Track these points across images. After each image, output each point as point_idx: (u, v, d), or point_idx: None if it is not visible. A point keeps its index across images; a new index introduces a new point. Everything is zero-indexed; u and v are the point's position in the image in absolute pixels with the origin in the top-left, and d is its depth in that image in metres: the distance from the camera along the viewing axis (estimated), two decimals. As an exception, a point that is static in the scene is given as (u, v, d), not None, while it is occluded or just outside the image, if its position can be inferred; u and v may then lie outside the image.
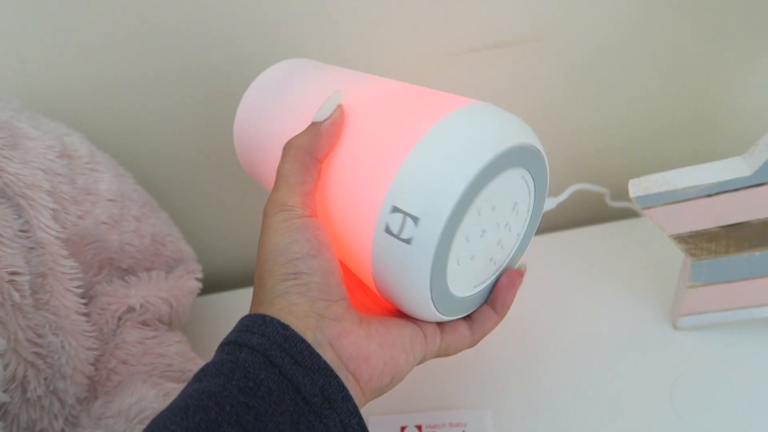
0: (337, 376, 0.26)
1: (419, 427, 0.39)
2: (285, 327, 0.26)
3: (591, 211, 0.56)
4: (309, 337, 0.26)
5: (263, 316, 0.26)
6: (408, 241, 0.26)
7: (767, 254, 0.38)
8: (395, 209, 0.26)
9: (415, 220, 0.26)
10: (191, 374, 0.37)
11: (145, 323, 0.38)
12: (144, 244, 0.41)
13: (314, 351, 0.26)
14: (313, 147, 0.29)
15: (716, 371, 0.40)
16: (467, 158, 0.26)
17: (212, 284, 0.55)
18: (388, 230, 0.27)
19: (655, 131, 0.54)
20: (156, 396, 0.32)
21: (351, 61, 0.47)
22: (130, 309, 0.37)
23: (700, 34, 0.49)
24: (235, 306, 0.51)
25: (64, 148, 0.37)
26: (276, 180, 0.30)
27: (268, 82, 0.36)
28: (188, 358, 0.38)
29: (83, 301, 0.34)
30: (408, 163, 0.27)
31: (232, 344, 0.26)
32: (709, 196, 0.36)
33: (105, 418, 0.31)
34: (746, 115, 0.53)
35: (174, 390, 0.34)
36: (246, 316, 0.27)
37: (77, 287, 0.33)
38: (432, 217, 0.26)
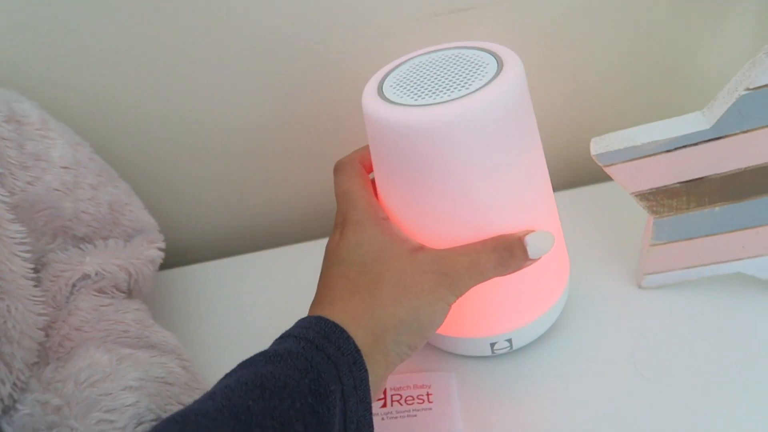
0: (370, 410, 0.28)
1: (384, 390, 0.38)
2: (358, 351, 0.28)
3: (560, 177, 0.56)
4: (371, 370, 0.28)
5: (345, 334, 0.28)
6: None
7: (727, 209, 0.38)
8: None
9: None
10: (149, 341, 0.36)
11: (101, 291, 0.37)
12: (101, 212, 0.40)
13: (368, 383, 0.28)
14: None
15: (678, 329, 0.40)
16: None
17: (177, 258, 0.54)
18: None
19: (621, 96, 0.54)
20: (109, 361, 0.32)
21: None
22: (85, 276, 0.36)
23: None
24: (200, 280, 0.51)
25: (12, 113, 0.36)
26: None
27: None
28: (146, 325, 0.37)
29: (31, 266, 0.33)
30: None
31: (308, 342, 0.27)
32: (669, 151, 0.36)
33: (54, 382, 0.30)
34: (712, 77, 0.53)
35: (129, 356, 0.33)
36: (325, 320, 0.29)
37: (25, 252, 0.32)
38: None
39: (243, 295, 0.49)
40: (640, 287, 0.43)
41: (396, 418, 0.37)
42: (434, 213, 0.34)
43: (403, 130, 0.31)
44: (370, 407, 0.27)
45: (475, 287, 0.34)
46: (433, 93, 0.32)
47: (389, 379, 0.39)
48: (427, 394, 0.38)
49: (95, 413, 0.30)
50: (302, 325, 0.29)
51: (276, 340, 0.29)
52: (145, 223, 0.43)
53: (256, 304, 0.48)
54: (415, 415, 0.36)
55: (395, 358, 0.30)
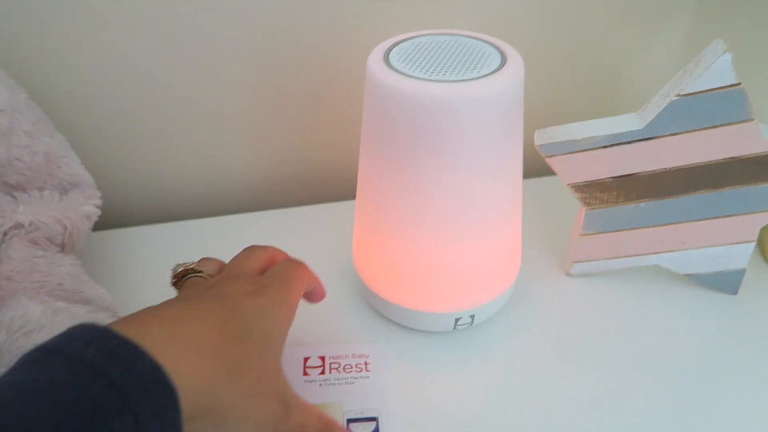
0: None
1: (322, 358, 0.39)
2: (157, 369, 0.22)
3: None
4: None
5: (138, 350, 0.22)
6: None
7: (651, 206, 0.41)
8: None
9: None
10: (84, 296, 0.35)
11: (33, 242, 0.35)
12: (36, 162, 0.38)
13: (179, 412, 0.23)
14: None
15: (598, 315, 0.43)
16: None
17: (113, 219, 0.52)
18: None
19: (559, 98, 0.57)
20: (43, 312, 0.31)
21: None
22: (18, 225, 0.35)
23: (604, 4, 0.52)
24: (137, 243, 0.49)
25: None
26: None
27: None
28: (81, 280, 0.36)
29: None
30: None
31: (84, 366, 0.21)
32: (604, 147, 0.39)
33: (-16, 330, 0.29)
34: (647, 82, 0.57)
35: (64, 309, 0.32)
36: (112, 333, 0.22)
37: (-45, 193, 0.31)
38: None
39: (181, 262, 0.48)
40: (567, 275, 0.46)
41: (334, 384, 0.37)
42: (422, 187, 0.35)
43: (417, 102, 0.32)
44: (181, 430, 0.23)
45: (446, 260, 0.37)
46: (443, 71, 0.33)
47: (328, 348, 0.40)
48: (365, 363, 0.39)
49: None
50: (80, 336, 0.22)
51: (38, 352, 0.21)
52: (81, 178, 0.41)
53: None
54: (353, 383, 0.37)
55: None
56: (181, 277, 0.32)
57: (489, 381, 0.39)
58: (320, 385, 0.37)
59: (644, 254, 0.44)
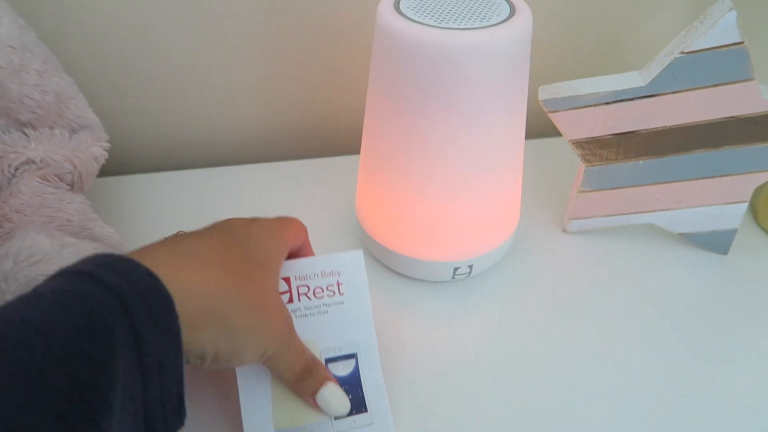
0: (181, 345, 0.23)
1: (287, 281, 0.34)
2: (153, 276, 0.23)
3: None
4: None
5: (130, 260, 0.23)
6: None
7: (649, 164, 0.42)
8: None
9: None
10: (92, 233, 0.36)
11: (44, 178, 0.36)
12: (46, 101, 0.38)
13: (175, 314, 0.23)
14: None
15: (592, 270, 0.44)
16: None
17: (120, 166, 0.53)
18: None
19: (565, 56, 0.57)
20: (51, 245, 0.31)
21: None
22: (29, 161, 0.35)
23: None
24: (144, 190, 0.50)
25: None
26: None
27: None
28: (89, 218, 0.37)
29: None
30: None
31: (82, 275, 0.22)
32: (607, 104, 0.40)
33: (-5, 258, 0.30)
34: (653, 37, 0.57)
35: (72, 244, 0.33)
36: (112, 254, 0.23)
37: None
38: None
39: (187, 210, 0.49)
40: (564, 231, 0.47)
41: (306, 316, 0.33)
42: (427, 136, 0.36)
43: (425, 48, 0.33)
44: (177, 336, 0.23)
45: (447, 211, 0.38)
46: (453, 19, 0.34)
47: (295, 267, 0.34)
48: (338, 284, 0.34)
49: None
50: (83, 260, 0.23)
51: (42, 278, 0.23)
52: (89, 120, 0.42)
53: (200, 220, 0.48)
54: (327, 312, 0.34)
55: (196, 350, 0.25)
56: None
57: (484, 330, 0.40)
58: (292, 317, 0.32)
59: (640, 212, 0.45)
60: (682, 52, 0.37)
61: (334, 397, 0.31)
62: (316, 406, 0.31)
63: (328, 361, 0.33)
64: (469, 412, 0.35)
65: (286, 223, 0.33)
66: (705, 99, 0.38)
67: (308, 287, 0.34)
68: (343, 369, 0.33)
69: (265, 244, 0.30)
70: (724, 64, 0.37)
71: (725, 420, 0.35)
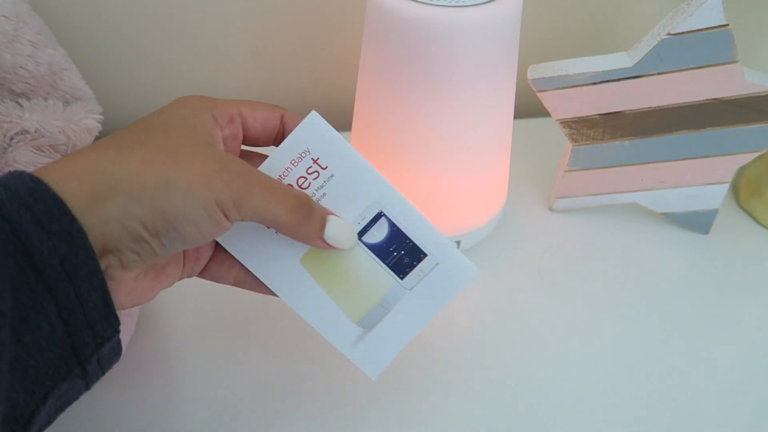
0: (89, 247, 0.22)
1: None
2: (36, 180, 0.21)
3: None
4: (75, 204, 0.22)
5: (15, 170, 0.22)
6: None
7: (635, 144, 0.43)
8: None
9: None
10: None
11: (39, 148, 0.36)
12: (40, 72, 0.38)
13: (67, 212, 0.21)
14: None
15: (577, 247, 0.46)
16: None
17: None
18: None
19: (553, 37, 0.58)
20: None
21: None
22: (24, 131, 0.35)
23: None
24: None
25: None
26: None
27: None
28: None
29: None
30: None
31: None
32: (594, 84, 0.40)
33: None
34: (643, 19, 0.58)
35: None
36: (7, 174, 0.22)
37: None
38: None
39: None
40: (550, 210, 0.48)
41: None
42: (415, 113, 0.36)
43: (416, 25, 0.33)
44: (85, 243, 0.21)
45: (436, 187, 0.37)
46: None
47: (266, 172, 0.29)
48: (314, 161, 0.29)
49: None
50: None
51: None
52: (83, 92, 0.42)
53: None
54: (324, 194, 0.30)
55: (118, 232, 0.22)
56: None
57: (469, 306, 0.42)
58: None
59: (624, 192, 0.46)
60: (668, 34, 0.38)
61: (341, 228, 0.29)
62: (326, 246, 0.29)
63: (360, 234, 0.30)
64: (453, 389, 0.36)
65: (219, 99, 0.28)
66: (689, 81, 0.39)
67: (291, 185, 0.29)
68: (378, 234, 0.30)
69: (173, 113, 0.26)
70: (709, 46, 0.38)
71: (705, 397, 0.37)
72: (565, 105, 0.41)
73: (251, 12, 0.51)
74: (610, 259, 0.45)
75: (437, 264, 0.31)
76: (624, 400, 0.36)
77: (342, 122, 0.56)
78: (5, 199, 0.21)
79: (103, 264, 0.23)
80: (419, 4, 0.33)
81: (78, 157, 0.23)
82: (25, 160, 0.35)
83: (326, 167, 0.29)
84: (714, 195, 0.45)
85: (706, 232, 0.47)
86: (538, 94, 0.41)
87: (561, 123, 0.43)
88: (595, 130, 0.43)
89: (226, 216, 0.25)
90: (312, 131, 0.29)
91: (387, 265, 0.31)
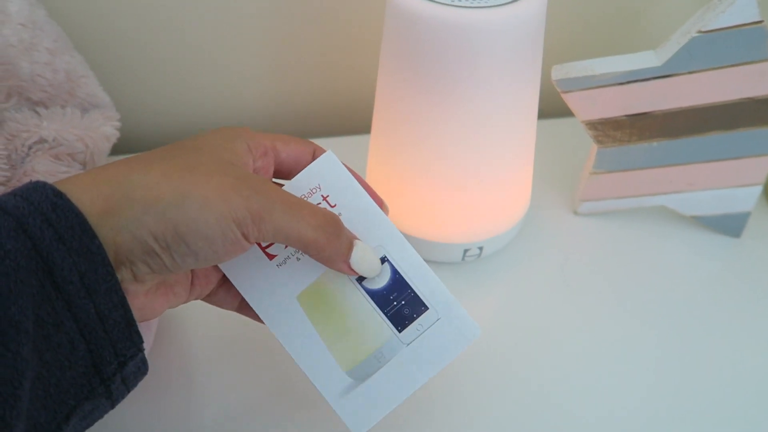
0: (108, 264, 0.21)
1: None
2: (58, 194, 0.21)
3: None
4: (91, 210, 0.22)
5: (37, 182, 0.22)
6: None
7: (663, 145, 0.41)
8: None
9: None
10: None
11: (57, 157, 0.36)
12: (58, 79, 0.38)
13: (88, 228, 0.21)
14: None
15: (604, 253, 0.44)
16: None
17: (131, 145, 0.53)
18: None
19: (578, 36, 0.56)
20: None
21: None
22: (42, 140, 0.35)
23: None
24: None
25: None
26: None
27: None
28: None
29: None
30: None
31: None
32: (621, 84, 0.39)
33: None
34: (669, 16, 0.56)
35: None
36: (27, 185, 0.22)
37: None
38: None
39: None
40: (575, 213, 0.47)
41: None
42: (439, 117, 0.35)
43: (438, 27, 0.32)
44: (104, 260, 0.21)
45: (459, 192, 0.36)
46: None
47: None
48: (324, 198, 0.30)
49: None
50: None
51: None
52: (101, 99, 0.42)
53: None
54: None
55: (129, 243, 0.22)
56: None
57: (493, 312, 0.41)
58: (298, 258, 0.29)
59: (652, 194, 0.44)
60: (699, 31, 0.36)
61: (367, 254, 0.27)
62: (350, 272, 0.28)
63: (360, 279, 0.29)
64: (478, 394, 0.36)
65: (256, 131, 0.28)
66: (721, 79, 0.38)
67: None
68: (380, 279, 0.29)
69: (207, 139, 0.26)
70: (742, 44, 0.36)
71: (736, 405, 0.36)
72: (590, 106, 0.40)
73: (269, 19, 0.50)
74: (637, 264, 0.43)
75: (438, 319, 0.29)
76: (654, 408, 0.35)
77: (359, 126, 0.55)
78: (28, 214, 0.21)
79: (118, 277, 0.22)
80: (440, 5, 0.33)
81: (100, 170, 0.24)
82: (44, 169, 0.35)
83: (335, 205, 0.29)
84: (746, 197, 0.43)
85: (738, 236, 0.45)
86: (563, 95, 0.40)
87: (586, 124, 0.41)
88: (621, 131, 0.41)
89: (244, 235, 0.24)
90: (326, 169, 0.29)
91: (386, 314, 0.29)
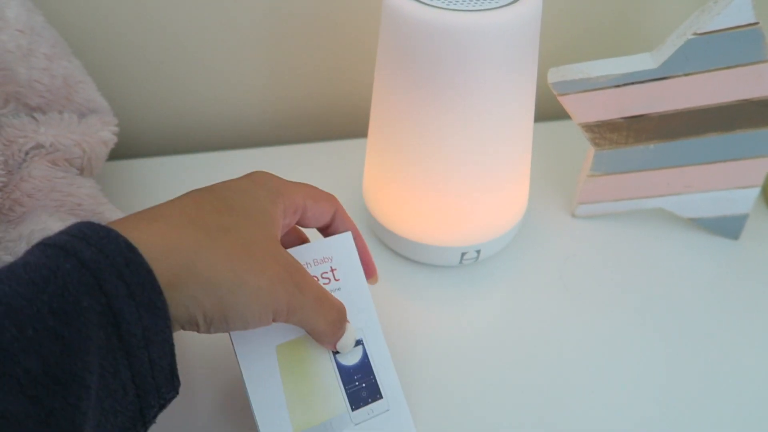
0: (168, 317, 0.22)
1: None
2: (132, 249, 0.22)
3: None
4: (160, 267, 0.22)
5: (109, 230, 0.22)
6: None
7: (660, 147, 0.41)
8: None
9: None
10: (103, 216, 0.36)
11: (54, 162, 0.36)
12: (55, 85, 0.38)
13: (156, 286, 0.22)
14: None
15: (602, 255, 0.44)
16: None
17: (128, 149, 0.53)
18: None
19: (573, 38, 0.56)
20: (62, 228, 0.32)
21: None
22: (39, 145, 0.35)
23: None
24: (153, 174, 0.50)
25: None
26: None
27: None
28: (100, 201, 0.37)
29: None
30: None
31: (57, 249, 0.21)
32: (617, 86, 0.39)
33: (5, 241, 0.30)
34: (663, 19, 0.56)
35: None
36: (91, 223, 0.22)
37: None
38: None
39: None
40: (573, 216, 0.47)
41: None
42: (435, 120, 0.35)
43: (433, 31, 0.32)
44: (163, 311, 0.22)
45: (455, 196, 0.36)
46: (462, 1, 0.33)
47: None
48: (332, 270, 0.33)
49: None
50: (63, 231, 0.22)
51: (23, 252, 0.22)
52: (98, 104, 0.42)
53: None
54: None
55: (179, 314, 0.24)
56: None
57: (492, 315, 0.41)
58: None
59: (649, 197, 0.44)
60: (695, 33, 0.36)
61: (350, 337, 0.30)
62: (332, 348, 0.30)
63: (336, 352, 0.32)
64: (477, 398, 0.36)
65: (288, 182, 0.30)
66: (718, 81, 0.38)
67: None
68: (351, 358, 0.32)
69: (252, 194, 0.27)
70: (737, 46, 0.36)
71: (736, 407, 0.35)
72: (587, 109, 0.40)
73: (266, 16, 0.50)
74: (635, 267, 0.43)
75: (387, 410, 0.32)
76: (650, 412, 0.35)
77: (356, 130, 0.56)
78: (104, 269, 0.21)
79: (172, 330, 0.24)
80: (436, 8, 0.33)
81: (167, 229, 0.24)
82: (41, 174, 0.35)
83: (339, 279, 0.33)
84: (744, 199, 0.43)
85: (736, 238, 0.45)
86: (559, 98, 0.40)
87: (583, 127, 0.41)
88: (618, 133, 0.41)
89: (274, 320, 0.26)
90: (341, 246, 0.33)
91: (346, 390, 0.31)
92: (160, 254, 0.23)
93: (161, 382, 0.23)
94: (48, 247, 0.21)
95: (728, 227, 0.45)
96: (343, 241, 0.33)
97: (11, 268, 0.20)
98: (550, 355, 0.38)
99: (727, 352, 0.38)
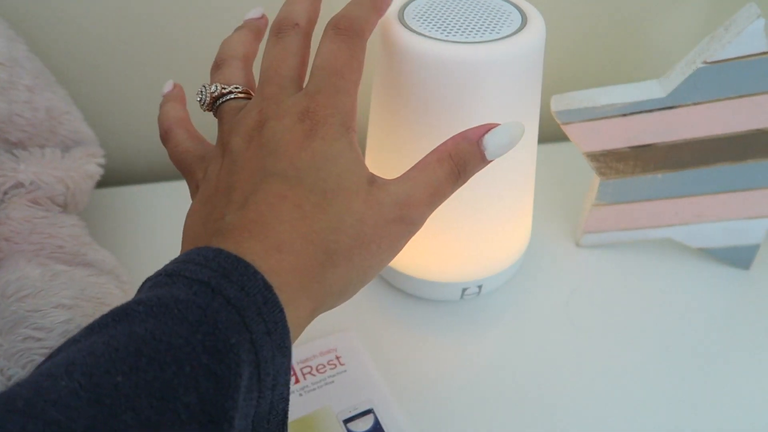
0: (290, 358, 0.23)
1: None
2: (268, 288, 0.22)
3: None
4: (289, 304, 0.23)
5: (246, 265, 0.22)
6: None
7: (668, 177, 0.40)
8: None
9: None
10: (86, 259, 0.35)
11: (35, 201, 0.34)
12: (37, 118, 0.37)
13: (287, 329, 0.23)
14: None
15: (607, 286, 0.43)
16: None
17: (116, 177, 0.51)
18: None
19: (577, 62, 0.55)
20: (41, 276, 0.30)
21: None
22: (19, 184, 0.34)
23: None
24: (141, 201, 0.49)
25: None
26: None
27: None
28: (83, 242, 0.35)
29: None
30: None
31: (202, 285, 0.21)
32: (624, 115, 0.37)
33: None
34: (670, 44, 0.55)
35: (64, 272, 0.32)
36: (225, 253, 0.22)
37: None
38: None
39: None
40: (578, 245, 0.45)
41: (314, 389, 0.35)
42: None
43: (433, 64, 0.31)
44: (289, 352, 0.23)
45: (457, 230, 0.35)
46: (461, 31, 0.32)
47: (294, 353, 0.36)
48: (337, 357, 0.36)
49: (22, 329, 0.29)
50: (195, 260, 0.23)
51: (157, 277, 0.22)
52: (84, 135, 0.40)
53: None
54: (333, 381, 0.35)
55: (312, 316, 0.25)
56: (213, 103, 0.31)
57: (494, 351, 0.39)
58: (300, 395, 0.35)
59: (657, 227, 0.43)
60: (705, 62, 0.35)
61: (500, 136, 0.28)
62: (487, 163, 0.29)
63: (347, 421, 0.33)
64: (478, 443, 0.34)
65: (340, 76, 0.27)
66: (729, 110, 0.36)
67: (311, 367, 0.36)
68: (363, 425, 0.33)
69: (332, 164, 0.26)
70: (750, 74, 0.35)
71: (748, 452, 0.34)
72: (592, 138, 0.39)
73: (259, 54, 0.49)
74: (643, 299, 0.42)
75: None
76: (665, 463, 0.33)
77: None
78: (246, 306, 0.21)
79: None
80: (433, 40, 0.31)
81: (296, 259, 0.24)
82: (20, 216, 0.33)
83: (344, 364, 0.36)
84: (756, 229, 0.41)
85: (747, 268, 0.43)
86: (563, 127, 0.39)
87: (588, 156, 0.40)
88: (625, 163, 0.40)
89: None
90: (346, 341, 0.37)
91: None
92: (297, 294, 0.24)
93: (273, 428, 0.23)
94: (193, 282, 0.22)
95: (739, 257, 0.43)
96: (348, 338, 0.37)
97: (161, 301, 0.21)
98: (556, 390, 0.36)
99: (739, 383, 0.37)
